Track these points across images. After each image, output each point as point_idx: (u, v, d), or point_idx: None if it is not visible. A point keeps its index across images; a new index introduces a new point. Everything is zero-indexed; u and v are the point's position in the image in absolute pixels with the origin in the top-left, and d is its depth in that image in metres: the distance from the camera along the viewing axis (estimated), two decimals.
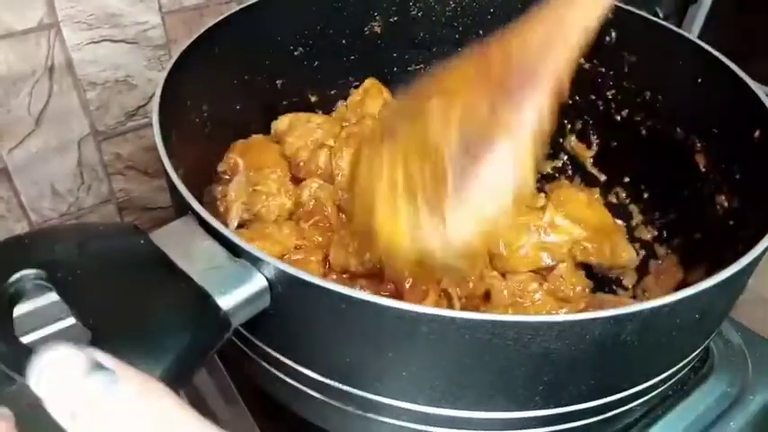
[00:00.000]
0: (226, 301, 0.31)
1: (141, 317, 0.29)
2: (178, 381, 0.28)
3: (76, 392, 0.21)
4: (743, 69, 0.48)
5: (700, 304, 0.34)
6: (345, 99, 0.67)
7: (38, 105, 0.61)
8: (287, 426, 0.45)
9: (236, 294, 0.31)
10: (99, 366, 0.22)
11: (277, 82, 0.61)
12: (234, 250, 0.33)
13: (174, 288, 0.30)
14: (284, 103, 0.63)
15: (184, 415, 0.22)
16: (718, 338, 0.56)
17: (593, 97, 0.63)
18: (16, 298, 0.29)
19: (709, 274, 0.33)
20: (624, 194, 0.63)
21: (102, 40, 0.61)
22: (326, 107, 0.67)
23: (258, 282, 0.32)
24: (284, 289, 0.32)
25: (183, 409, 0.22)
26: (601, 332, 0.31)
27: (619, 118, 0.61)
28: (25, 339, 0.27)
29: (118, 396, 0.21)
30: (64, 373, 0.21)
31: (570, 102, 0.65)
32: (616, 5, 0.57)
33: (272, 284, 0.32)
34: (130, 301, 0.26)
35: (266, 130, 0.62)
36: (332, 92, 0.67)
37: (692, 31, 0.87)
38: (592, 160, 0.66)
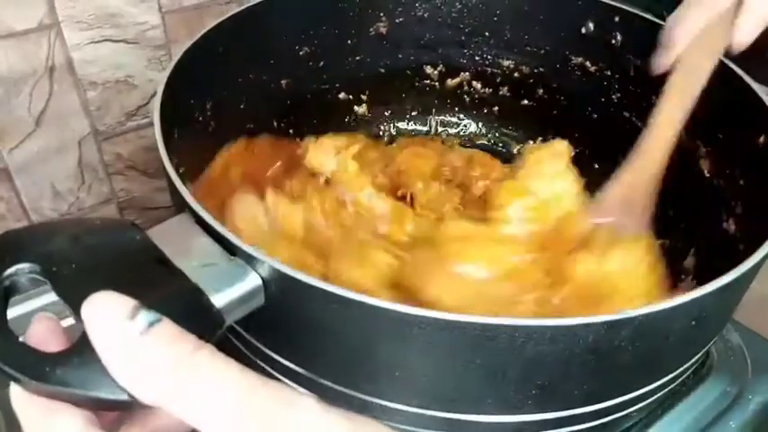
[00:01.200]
0: (219, 299, 0.30)
1: None
2: None
3: (124, 328, 0.23)
4: (746, 71, 0.48)
5: (696, 311, 0.33)
6: (349, 99, 0.67)
7: (38, 105, 0.61)
8: None
9: (230, 292, 0.31)
10: (144, 308, 0.24)
11: (282, 81, 0.61)
12: (229, 248, 0.32)
13: (167, 284, 0.30)
14: (288, 102, 0.63)
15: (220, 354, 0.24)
16: (717, 338, 0.56)
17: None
18: (11, 292, 0.29)
19: (709, 280, 0.33)
20: None
21: (102, 41, 0.61)
22: (329, 108, 0.67)
23: (253, 280, 0.32)
24: (278, 288, 0.31)
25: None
26: (594, 337, 0.30)
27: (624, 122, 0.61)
28: (23, 339, 0.27)
29: (161, 331, 0.23)
30: (113, 310, 0.24)
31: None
32: (622, 8, 0.57)
33: (266, 283, 0.32)
34: (125, 295, 0.26)
35: (270, 129, 0.62)
36: (339, 94, 0.67)
37: None
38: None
